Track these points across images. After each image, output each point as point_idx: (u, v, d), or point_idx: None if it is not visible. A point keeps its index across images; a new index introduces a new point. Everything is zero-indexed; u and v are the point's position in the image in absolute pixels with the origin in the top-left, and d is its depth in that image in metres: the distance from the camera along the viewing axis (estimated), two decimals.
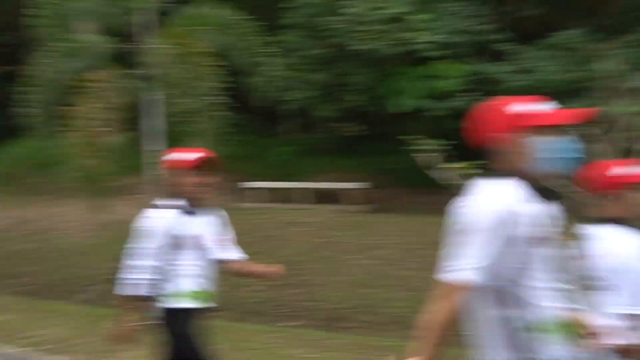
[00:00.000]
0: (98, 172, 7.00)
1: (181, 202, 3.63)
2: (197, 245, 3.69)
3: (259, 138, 17.54)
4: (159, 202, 3.69)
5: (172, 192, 3.66)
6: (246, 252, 11.54)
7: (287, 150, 16.36)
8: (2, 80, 22.36)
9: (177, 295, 3.61)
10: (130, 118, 7.34)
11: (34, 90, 7.45)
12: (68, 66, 7.20)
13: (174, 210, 3.60)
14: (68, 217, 14.87)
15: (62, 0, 7.26)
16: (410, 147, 6.03)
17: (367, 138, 15.45)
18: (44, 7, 7.46)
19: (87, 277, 11.78)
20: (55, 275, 12.18)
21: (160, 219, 3.56)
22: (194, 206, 3.67)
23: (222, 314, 10.25)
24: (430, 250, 10.65)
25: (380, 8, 11.42)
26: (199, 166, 3.58)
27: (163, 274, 3.58)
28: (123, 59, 7.66)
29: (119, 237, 13.04)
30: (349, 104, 13.45)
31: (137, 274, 3.56)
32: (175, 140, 12.68)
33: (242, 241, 11.83)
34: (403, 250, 11.22)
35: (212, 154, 3.65)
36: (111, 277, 11.63)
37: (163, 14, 7.55)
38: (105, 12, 7.26)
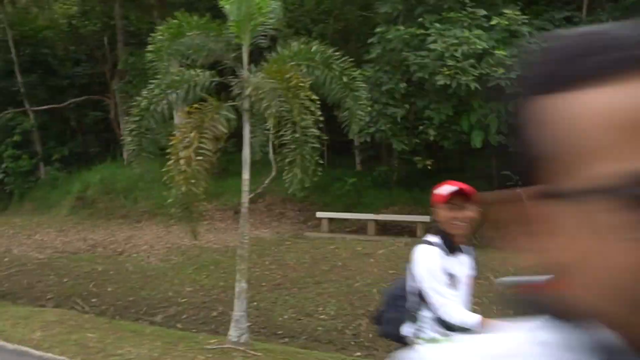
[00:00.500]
0: (191, 198, 7.18)
1: (442, 239, 3.47)
2: (457, 285, 3.46)
3: (328, 168, 17.70)
4: (428, 238, 3.55)
5: (436, 229, 3.55)
6: (318, 280, 11.54)
7: (354, 181, 16.41)
8: (80, 109, 23.37)
9: (436, 340, 3.28)
10: (223, 147, 7.58)
11: (132, 119, 7.78)
12: (169, 97, 7.52)
13: (438, 248, 3.43)
14: (139, 241, 15.28)
15: (172, 37, 7.64)
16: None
17: (433, 172, 15.38)
18: (153, 42, 7.88)
19: (159, 300, 12.01)
20: (125, 297, 12.44)
21: (428, 257, 3.42)
22: (451, 243, 3.47)
23: (288, 340, 10.40)
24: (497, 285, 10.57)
25: (465, 43, 11.52)
26: (451, 200, 3.41)
27: (424, 316, 3.39)
28: (221, 92, 7.96)
29: (189, 262, 13.37)
30: (424, 137, 13.50)
31: (401, 314, 3.41)
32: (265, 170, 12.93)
33: (315, 269, 11.90)
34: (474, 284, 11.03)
35: (466, 187, 3.44)
36: (182, 301, 11.86)
37: (262, 48, 7.88)
38: (209, 47, 7.59)
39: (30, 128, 22.37)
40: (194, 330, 10.54)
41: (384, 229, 15.09)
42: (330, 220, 15.30)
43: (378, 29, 13.28)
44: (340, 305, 10.81)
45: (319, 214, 15.43)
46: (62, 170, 21.84)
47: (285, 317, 10.76)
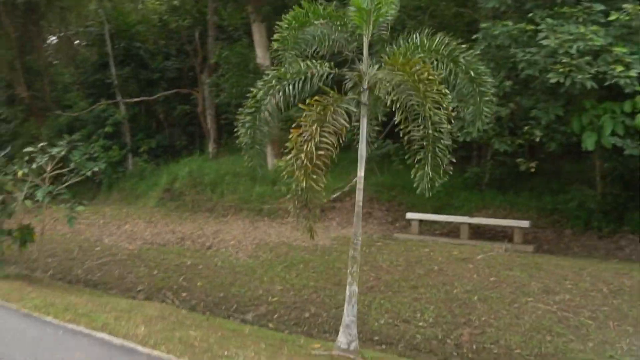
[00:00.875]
0: (311, 194, 6.87)
1: None
2: None
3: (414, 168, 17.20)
4: None
5: None
6: (414, 284, 11.02)
7: (444, 182, 15.82)
8: (169, 102, 23.73)
9: None
10: (342, 142, 7.19)
11: (246, 112, 7.51)
12: (286, 89, 7.22)
13: None
14: (226, 236, 15.20)
15: (299, 25, 7.36)
16: None
17: (527, 175, 14.62)
18: (279, 31, 7.62)
19: (249, 298, 11.82)
20: (215, 293, 12.33)
21: None
22: None
23: (385, 347, 9.94)
24: (610, 299, 9.84)
25: (580, 40, 10.76)
26: None
27: None
28: (342, 84, 7.58)
29: (278, 259, 13.13)
30: (527, 138, 12.78)
31: None
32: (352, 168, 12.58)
33: (410, 272, 11.38)
34: (579, 296, 10.34)
35: None
36: (273, 300, 11.61)
37: (384, 40, 7.48)
38: (332, 37, 7.26)
39: (122, 119, 22.92)
40: (286, 332, 10.29)
41: (477, 232, 14.46)
42: (420, 221, 14.78)
43: (483, 25, 12.64)
44: (439, 312, 10.30)
45: (409, 215, 14.93)
46: (149, 162, 22.26)
47: (381, 322, 10.34)
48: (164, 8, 24.87)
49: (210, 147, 21.85)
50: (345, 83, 7.46)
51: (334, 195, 15.73)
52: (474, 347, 9.39)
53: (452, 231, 14.63)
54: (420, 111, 6.53)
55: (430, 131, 6.51)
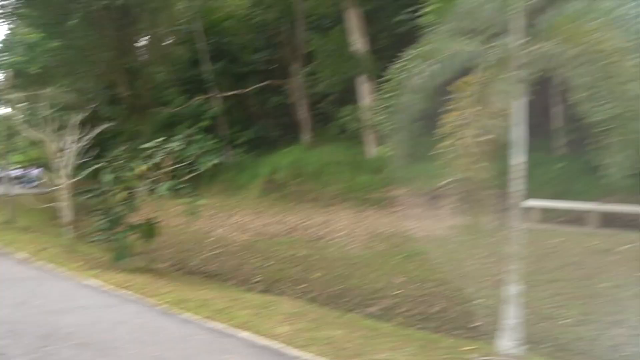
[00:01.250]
0: (475, 184, 6.29)
1: None
2: None
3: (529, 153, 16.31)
4: None
5: None
6: (551, 278, 10.10)
7: (562, 166, 14.84)
8: (262, 94, 23.80)
9: None
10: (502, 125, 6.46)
11: (386, 96, 6.94)
12: (432, 68, 6.58)
13: None
14: (336, 226, 14.85)
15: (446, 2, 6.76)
16: None
17: None
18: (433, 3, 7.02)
19: (370, 291, 11.36)
20: (334, 285, 11.93)
21: None
22: None
23: (529, 346, 9.19)
24: None
25: None
26: None
27: None
28: (497, 61, 6.82)
29: (394, 250, 12.53)
30: None
31: None
32: None
33: (544, 265, 10.45)
34: None
35: None
36: (396, 293, 11.06)
37: (541, 10, 6.63)
38: (489, 9, 6.53)
39: (218, 113, 23.23)
40: (415, 327, 9.71)
41: (607, 220, 13.37)
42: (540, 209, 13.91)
43: None
44: (584, 310, 9.42)
45: (529, 203, 14.02)
46: (247, 154, 22.42)
47: (520, 319, 9.59)
48: (249, 2, 24.93)
49: (306, 137, 21.76)
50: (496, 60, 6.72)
51: (446, 181, 15.08)
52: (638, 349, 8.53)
53: (577, 219, 13.64)
54: (605, 88, 5.70)
55: (620, 110, 5.69)
